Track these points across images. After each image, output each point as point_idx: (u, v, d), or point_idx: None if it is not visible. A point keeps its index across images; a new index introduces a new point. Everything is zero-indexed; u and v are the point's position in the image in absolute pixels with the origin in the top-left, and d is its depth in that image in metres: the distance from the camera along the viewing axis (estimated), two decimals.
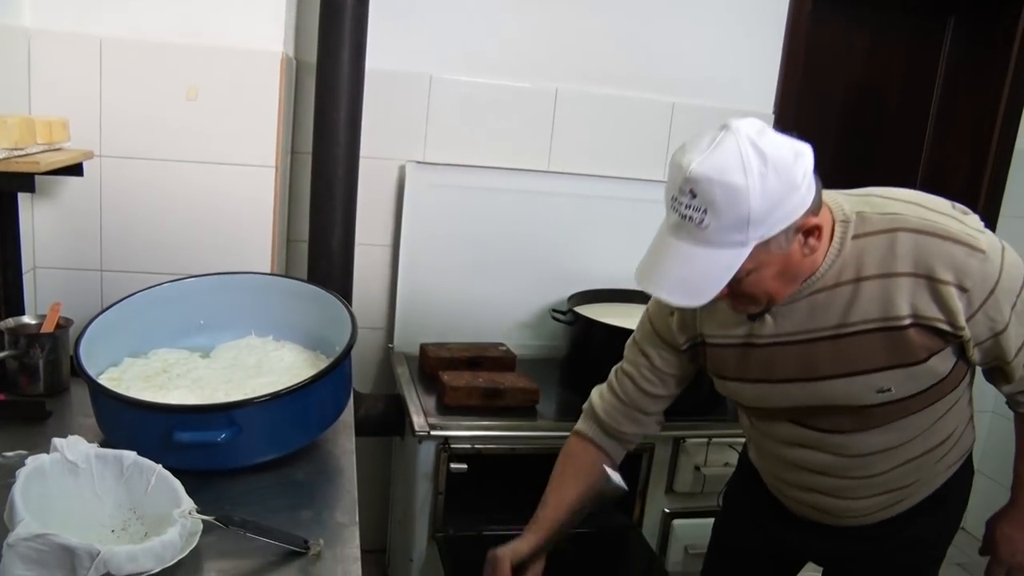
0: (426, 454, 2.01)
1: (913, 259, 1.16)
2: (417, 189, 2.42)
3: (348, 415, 1.61)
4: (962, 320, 1.16)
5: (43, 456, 1.10)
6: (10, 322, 1.60)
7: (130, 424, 1.34)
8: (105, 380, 1.47)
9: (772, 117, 2.63)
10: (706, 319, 1.35)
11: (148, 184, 1.82)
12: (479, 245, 2.49)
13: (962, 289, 1.15)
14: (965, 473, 1.45)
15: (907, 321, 1.17)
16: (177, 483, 1.14)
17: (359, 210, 2.37)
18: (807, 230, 1.13)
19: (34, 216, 1.80)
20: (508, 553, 1.37)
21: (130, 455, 1.16)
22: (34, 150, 1.45)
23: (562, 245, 2.53)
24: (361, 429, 2.40)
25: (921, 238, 1.16)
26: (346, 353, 1.45)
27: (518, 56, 2.43)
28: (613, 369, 1.52)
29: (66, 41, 1.72)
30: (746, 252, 1.09)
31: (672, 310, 1.40)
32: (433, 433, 1.98)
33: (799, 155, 1.10)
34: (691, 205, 1.08)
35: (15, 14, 1.68)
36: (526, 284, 2.54)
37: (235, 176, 1.85)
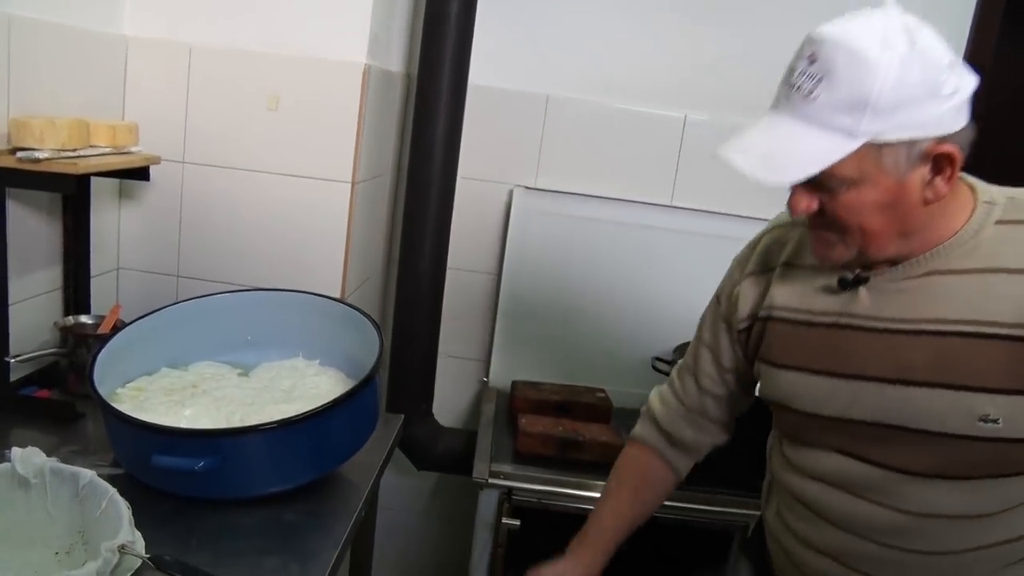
0: (486, 503, 1.85)
1: None
2: (524, 216, 2.27)
3: (377, 450, 1.49)
4: None
5: None
6: (69, 320, 1.62)
7: (119, 438, 1.28)
8: (130, 389, 1.44)
9: None
10: (779, 286, 1.11)
11: (226, 193, 1.80)
12: (587, 280, 2.29)
13: None
14: None
15: None
16: (126, 512, 1.05)
17: (462, 234, 2.27)
18: (937, 158, 0.91)
19: (120, 218, 1.83)
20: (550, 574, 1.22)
21: (87, 474, 1.09)
22: (88, 152, 1.46)
23: (678, 288, 2.26)
24: (440, 466, 2.29)
25: None
26: (356, 389, 1.32)
27: (643, 79, 2.22)
28: (674, 367, 1.34)
29: (159, 48, 1.74)
30: (853, 146, 0.89)
31: (742, 275, 1.18)
32: (491, 481, 1.81)
33: (954, 67, 0.90)
34: (806, 72, 0.90)
35: (115, 23, 1.72)
36: (632, 327, 2.30)
37: (311, 190, 1.79)
